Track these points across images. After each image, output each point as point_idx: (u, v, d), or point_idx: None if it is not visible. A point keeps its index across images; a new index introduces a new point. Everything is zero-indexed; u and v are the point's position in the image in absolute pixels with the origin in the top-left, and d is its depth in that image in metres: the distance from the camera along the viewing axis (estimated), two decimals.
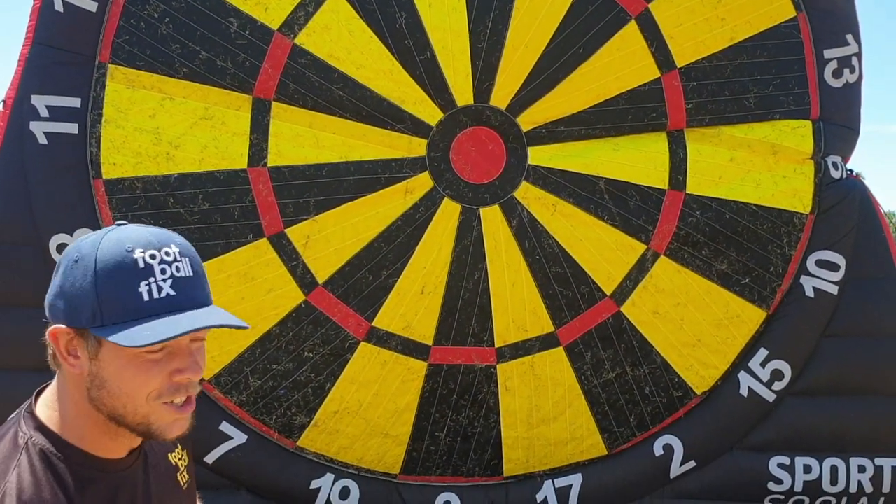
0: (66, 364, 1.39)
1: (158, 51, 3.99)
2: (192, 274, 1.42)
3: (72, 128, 4.00)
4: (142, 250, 1.38)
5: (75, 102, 4.00)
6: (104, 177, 4.01)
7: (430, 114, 4.12)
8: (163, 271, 1.37)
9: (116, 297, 1.33)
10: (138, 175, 4.01)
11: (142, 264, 1.36)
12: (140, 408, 1.37)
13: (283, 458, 4.18)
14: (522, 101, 4.17)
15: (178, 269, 1.40)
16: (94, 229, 3.98)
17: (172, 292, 1.36)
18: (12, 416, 1.45)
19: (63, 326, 1.38)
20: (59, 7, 3.98)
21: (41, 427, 1.39)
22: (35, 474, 1.32)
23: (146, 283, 1.35)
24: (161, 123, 4.01)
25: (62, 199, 4.02)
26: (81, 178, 4.01)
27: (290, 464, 4.19)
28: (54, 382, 1.46)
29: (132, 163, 4.01)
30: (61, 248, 3.96)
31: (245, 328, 1.49)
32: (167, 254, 1.40)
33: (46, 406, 1.43)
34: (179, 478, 1.57)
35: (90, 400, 1.39)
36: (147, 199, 4.01)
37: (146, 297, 1.34)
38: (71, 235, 3.97)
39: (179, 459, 1.60)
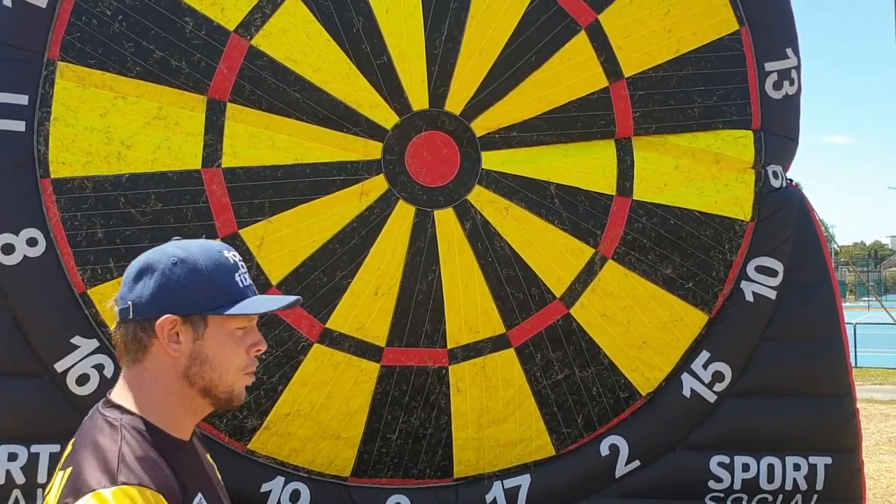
0: (168, 349, 1.67)
1: (111, 49, 3.96)
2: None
3: (18, 125, 3.93)
4: (227, 251, 1.76)
5: (22, 100, 3.94)
6: (52, 176, 3.95)
7: (386, 117, 4.16)
8: (241, 267, 1.77)
9: (224, 285, 1.70)
10: (88, 174, 3.96)
11: (232, 262, 1.74)
12: (230, 377, 1.70)
13: (233, 462, 4.15)
14: (476, 106, 4.24)
15: (243, 264, 1.79)
16: (41, 229, 3.95)
17: (249, 282, 1.76)
18: (86, 418, 1.76)
19: (171, 316, 1.66)
20: (7, 2, 3.91)
21: (127, 412, 1.66)
22: (137, 442, 1.60)
23: (238, 275, 1.74)
24: (113, 122, 3.96)
25: (7, 198, 3.95)
26: (28, 177, 3.95)
27: (240, 467, 4.16)
28: (123, 380, 1.72)
29: (82, 162, 3.96)
30: (7, 248, 3.88)
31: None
32: (235, 255, 1.79)
33: (125, 398, 1.69)
34: (217, 474, 1.83)
35: (186, 377, 1.68)
36: (97, 199, 3.96)
37: (240, 285, 1.73)
38: (17, 235, 3.90)
39: (213, 462, 1.85)
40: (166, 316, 1.66)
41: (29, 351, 3.91)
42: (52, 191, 3.94)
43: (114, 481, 1.51)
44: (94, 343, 3.96)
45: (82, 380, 3.93)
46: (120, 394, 1.70)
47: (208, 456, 1.86)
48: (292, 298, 1.80)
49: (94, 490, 1.50)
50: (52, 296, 3.94)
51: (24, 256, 3.90)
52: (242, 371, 1.72)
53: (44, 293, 3.93)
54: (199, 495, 1.65)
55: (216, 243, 1.79)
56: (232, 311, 1.68)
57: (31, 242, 3.91)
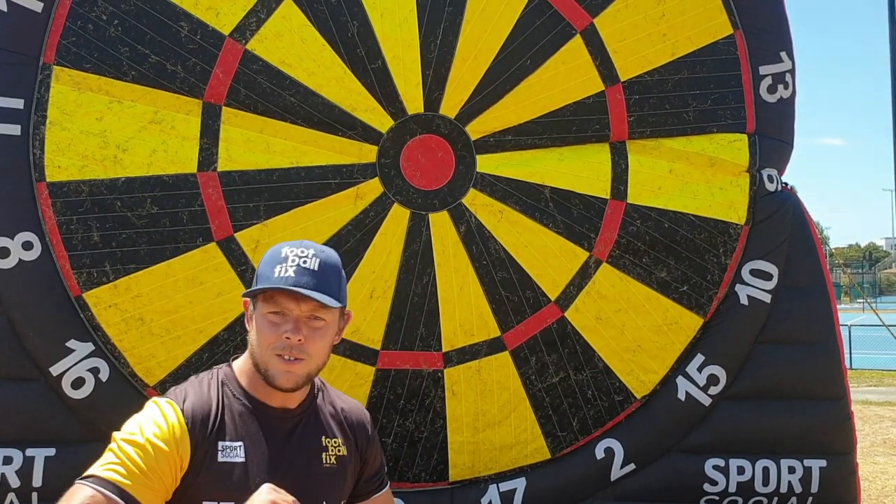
0: (247, 327, 2.07)
1: (106, 53, 3.96)
2: (316, 269, 1.96)
3: (14, 129, 3.93)
4: (289, 248, 2.00)
5: (18, 104, 3.94)
6: (48, 179, 3.95)
7: (381, 121, 4.17)
8: (293, 261, 1.95)
9: (263, 274, 1.99)
10: (84, 178, 3.96)
11: (283, 255, 1.97)
12: (263, 354, 1.96)
13: None
14: (471, 110, 4.26)
15: (304, 262, 1.96)
16: (36, 233, 3.95)
17: (292, 275, 1.94)
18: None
19: (245, 299, 2.08)
20: (2, 6, 3.92)
21: (230, 368, 2.08)
22: (211, 382, 2.01)
23: (280, 266, 1.96)
24: (108, 126, 3.97)
25: (2, 201, 3.95)
26: (23, 180, 3.94)
27: None
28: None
29: (78, 166, 3.96)
30: (2, 252, 3.89)
31: (331, 306, 2.00)
32: (302, 252, 1.98)
33: (238, 359, 2.11)
34: (324, 457, 2.04)
35: (250, 351, 2.03)
36: (93, 203, 3.96)
37: (275, 275, 1.95)
38: (12, 239, 3.91)
39: (334, 447, 2.07)
40: (244, 299, 2.08)
41: (24, 354, 3.91)
42: (47, 194, 3.94)
43: (164, 395, 2.02)
44: (90, 346, 3.96)
45: (77, 383, 3.93)
46: (239, 358, 2.12)
47: (333, 443, 2.08)
48: (292, 288, 1.95)
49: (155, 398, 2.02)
50: (47, 299, 3.94)
51: (20, 260, 3.90)
52: (273, 351, 1.95)
53: (39, 297, 3.93)
54: (241, 444, 1.94)
55: (303, 242, 2.04)
56: (244, 292, 2.04)
57: (27, 246, 3.91)
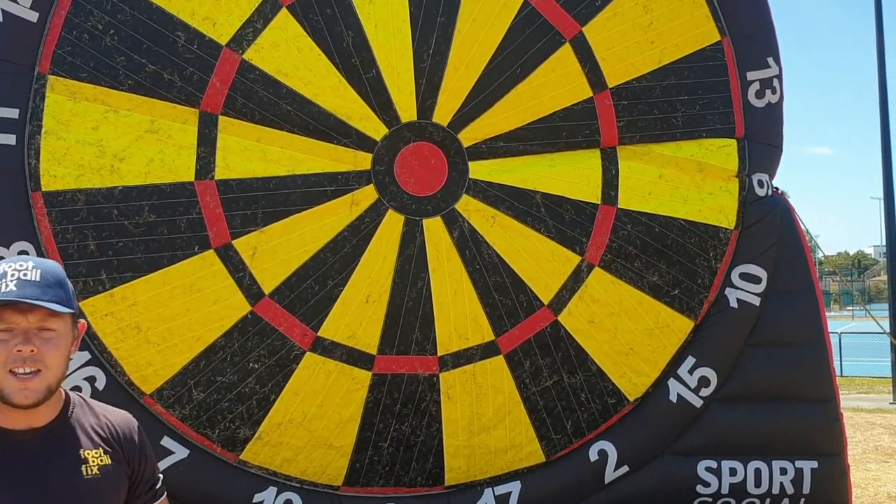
0: None
1: (102, 62, 3.99)
2: (38, 279, 1.94)
3: (9, 139, 3.95)
4: (6, 264, 1.95)
5: (13, 113, 3.95)
6: (43, 189, 3.97)
7: (375, 129, 4.22)
8: (12, 276, 1.92)
9: None
10: (80, 187, 3.98)
11: (1, 271, 1.93)
12: None
13: (225, 472, 4.17)
14: (463, 118, 4.32)
15: (24, 274, 1.93)
16: (32, 242, 3.98)
17: (14, 289, 1.90)
18: None
19: None
20: None
21: None
22: None
23: (2, 282, 1.91)
24: (105, 136, 3.99)
25: None
26: (19, 190, 3.95)
27: (232, 478, 4.18)
28: None
29: (74, 175, 3.98)
30: None
31: (58, 311, 1.93)
32: (21, 266, 1.95)
33: None
34: (84, 469, 2.00)
35: None
36: (90, 212, 3.98)
37: None
38: (8, 249, 3.91)
39: (95, 458, 2.04)
40: None
41: None
42: (42, 204, 3.96)
43: None
44: (86, 355, 3.97)
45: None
46: None
47: (94, 455, 2.03)
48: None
49: None
50: None
51: None
52: (5, 368, 1.89)
53: None
54: None
55: (21, 256, 2.10)
56: None
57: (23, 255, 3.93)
